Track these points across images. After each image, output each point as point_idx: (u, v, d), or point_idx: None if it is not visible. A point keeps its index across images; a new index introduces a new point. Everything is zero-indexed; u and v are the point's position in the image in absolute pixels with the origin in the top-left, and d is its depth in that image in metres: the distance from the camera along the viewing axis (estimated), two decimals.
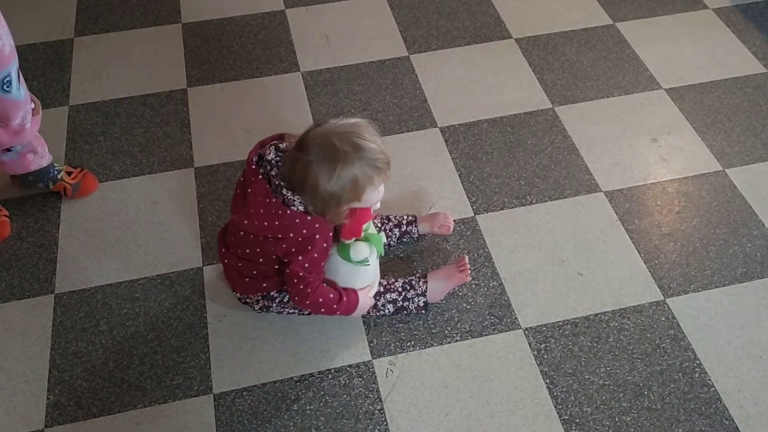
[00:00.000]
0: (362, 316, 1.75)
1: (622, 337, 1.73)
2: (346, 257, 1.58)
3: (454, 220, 1.93)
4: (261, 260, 1.59)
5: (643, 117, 2.27)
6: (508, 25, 2.58)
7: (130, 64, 2.44)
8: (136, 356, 1.69)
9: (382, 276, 1.76)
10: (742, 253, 1.90)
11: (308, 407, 1.61)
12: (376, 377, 1.66)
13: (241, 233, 1.57)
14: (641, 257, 1.89)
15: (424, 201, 2.02)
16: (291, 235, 1.48)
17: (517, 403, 1.62)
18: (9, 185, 2.02)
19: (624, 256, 1.89)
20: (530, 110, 2.28)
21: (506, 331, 1.74)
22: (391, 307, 1.73)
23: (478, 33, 2.55)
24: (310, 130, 1.44)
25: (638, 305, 1.79)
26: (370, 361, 1.69)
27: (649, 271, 1.86)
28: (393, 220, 1.88)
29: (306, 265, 1.51)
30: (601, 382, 1.65)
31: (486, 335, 1.73)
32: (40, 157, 1.92)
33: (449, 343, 1.71)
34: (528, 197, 2.03)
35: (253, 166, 1.50)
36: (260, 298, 1.70)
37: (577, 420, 1.59)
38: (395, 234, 1.87)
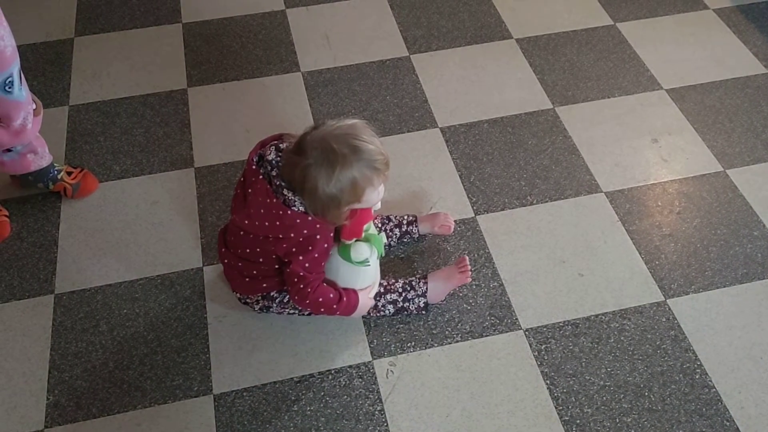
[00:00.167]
0: (362, 317, 1.75)
1: (622, 338, 1.73)
2: (347, 258, 1.58)
3: (455, 221, 1.93)
4: (261, 260, 1.59)
5: (644, 117, 2.27)
6: (508, 26, 2.58)
7: (130, 64, 2.44)
8: (136, 357, 1.69)
9: (383, 276, 1.76)
10: (742, 254, 1.90)
11: (308, 408, 1.61)
12: (376, 378, 1.66)
13: (242, 233, 1.57)
14: (642, 258, 1.89)
15: (425, 201, 2.02)
16: (292, 235, 1.48)
17: (518, 404, 1.61)
18: (9, 185, 2.02)
19: (625, 257, 1.89)
20: (531, 111, 2.28)
21: (507, 331, 1.74)
22: (391, 308, 1.72)
23: (479, 33, 2.55)
24: (308, 133, 1.43)
25: (639, 306, 1.79)
26: (370, 361, 1.68)
27: (650, 272, 1.86)
28: (393, 220, 1.88)
29: (306, 264, 1.51)
30: (601, 383, 1.65)
31: (486, 336, 1.73)
32: (41, 157, 1.91)
33: (450, 343, 1.71)
34: (528, 198, 2.03)
35: (254, 167, 1.50)
36: (260, 298, 1.70)
37: (578, 421, 1.59)
38: (396, 234, 1.87)
